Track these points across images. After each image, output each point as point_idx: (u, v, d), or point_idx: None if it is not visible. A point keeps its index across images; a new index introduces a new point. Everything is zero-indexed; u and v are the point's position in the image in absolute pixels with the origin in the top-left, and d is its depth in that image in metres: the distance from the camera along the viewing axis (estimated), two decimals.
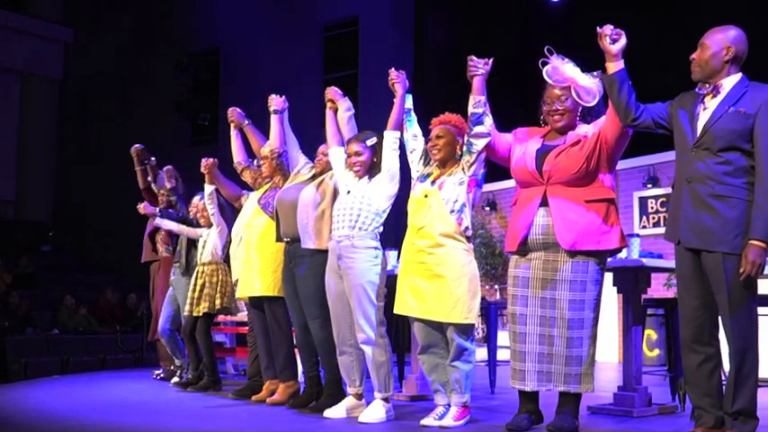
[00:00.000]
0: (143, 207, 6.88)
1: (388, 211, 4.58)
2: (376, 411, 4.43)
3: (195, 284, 6.17)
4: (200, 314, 6.11)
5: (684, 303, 3.53)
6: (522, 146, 4.06)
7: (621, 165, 10.23)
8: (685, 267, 3.51)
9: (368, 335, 4.45)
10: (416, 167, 4.45)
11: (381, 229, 4.57)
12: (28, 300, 12.27)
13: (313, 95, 16.01)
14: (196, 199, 6.48)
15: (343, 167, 4.75)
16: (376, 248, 4.51)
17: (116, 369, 9.71)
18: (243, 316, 6.79)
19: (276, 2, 16.31)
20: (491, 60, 4.14)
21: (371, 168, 4.60)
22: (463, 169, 4.21)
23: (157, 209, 6.76)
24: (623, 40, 3.67)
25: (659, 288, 8.92)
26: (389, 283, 4.53)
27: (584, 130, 3.97)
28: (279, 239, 5.09)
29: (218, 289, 6.11)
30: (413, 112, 4.52)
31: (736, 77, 3.48)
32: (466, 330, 4.16)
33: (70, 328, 12.00)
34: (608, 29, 3.68)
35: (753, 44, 3.58)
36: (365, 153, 4.58)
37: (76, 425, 4.57)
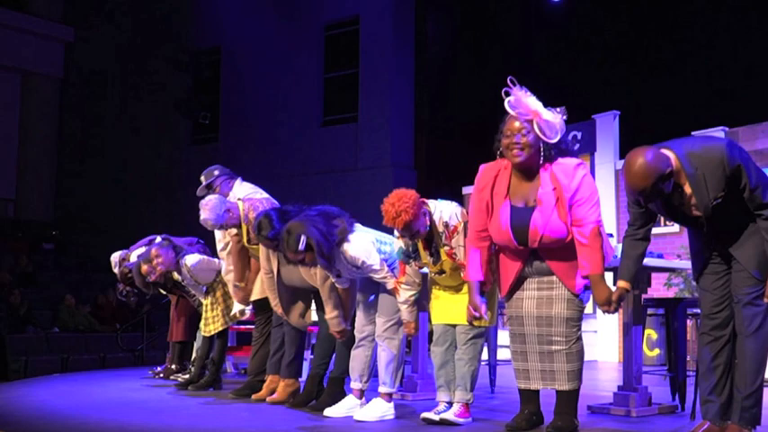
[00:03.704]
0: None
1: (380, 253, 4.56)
2: (375, 409, 4.44)
3: (206, 305, 6.23)
4: (219, 331, 6.16)
5: (707, 283, 3.61)
6: (489, 205, 3.91)
7: (622, 165, 10.22)
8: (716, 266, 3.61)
9: (387, 328, 4.53)
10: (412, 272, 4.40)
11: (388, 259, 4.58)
12: (28, 298, 12.28)
13: (313, 95, 16.13)
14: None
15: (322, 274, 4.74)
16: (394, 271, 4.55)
17: (116, 368, 9.71)
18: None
19: (277, 1, 16.31)
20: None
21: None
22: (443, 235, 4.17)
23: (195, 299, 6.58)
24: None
25: (659, 288, 8.92)
26: None
27: (548, 184, 3.80)
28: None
29: (227, 302, 6.15)
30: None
31: (686, 170, 3.43)
32: (480, 330, 4.22)
33: (71, 327, 12.01)
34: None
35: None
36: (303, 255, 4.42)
37: (77, 423, 4.57)
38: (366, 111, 15.42)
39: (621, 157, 10.20)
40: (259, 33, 16.26)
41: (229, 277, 5.79)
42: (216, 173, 5.97)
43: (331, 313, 4.78)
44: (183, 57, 16.45)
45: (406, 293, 4.40)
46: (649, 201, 3.49)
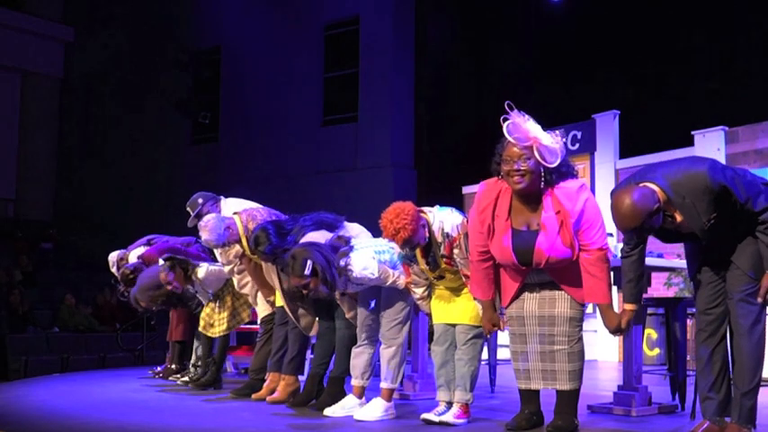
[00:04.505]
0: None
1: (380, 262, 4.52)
2: (375, 409, 4.45)
3: (212, 307, 6.24)
4: (223, 334, 6.17)
5: (702, 279, 3.64)
6: (490, 227, 3.87)
7: (621, 164, 10.24)
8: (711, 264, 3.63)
9: (390, 327, 4.55)
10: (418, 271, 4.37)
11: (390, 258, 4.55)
12: (28, 298, 12.29)
13: (313, 95, 16.14)
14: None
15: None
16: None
17: (116, 367, 9.72)
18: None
19: (277, 1, 16.32)
20: None
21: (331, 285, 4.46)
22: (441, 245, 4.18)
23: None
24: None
25: (659, 287, 8.92)
26: None
27: (551, 208, 3.78)
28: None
29: (234, 305, 6.17)
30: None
31: (674, 200, 3.44)
32: (480, 330, 4.23)
33: (71, 327, 12.01)
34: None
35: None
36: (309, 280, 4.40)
37: (77, 423, 4.57)
38: (366, 111, 15.42)
39: (621, 156, 10.19)
40: (259, 33, 16.26)
41: (245, 291, 5.88)
42: (200, 201, 6.02)
43: (349, 313, 4.86)
44: (183, 57, 16.46)
45: (418, 291, 4.42)
46: (641, 236, 3.54)
